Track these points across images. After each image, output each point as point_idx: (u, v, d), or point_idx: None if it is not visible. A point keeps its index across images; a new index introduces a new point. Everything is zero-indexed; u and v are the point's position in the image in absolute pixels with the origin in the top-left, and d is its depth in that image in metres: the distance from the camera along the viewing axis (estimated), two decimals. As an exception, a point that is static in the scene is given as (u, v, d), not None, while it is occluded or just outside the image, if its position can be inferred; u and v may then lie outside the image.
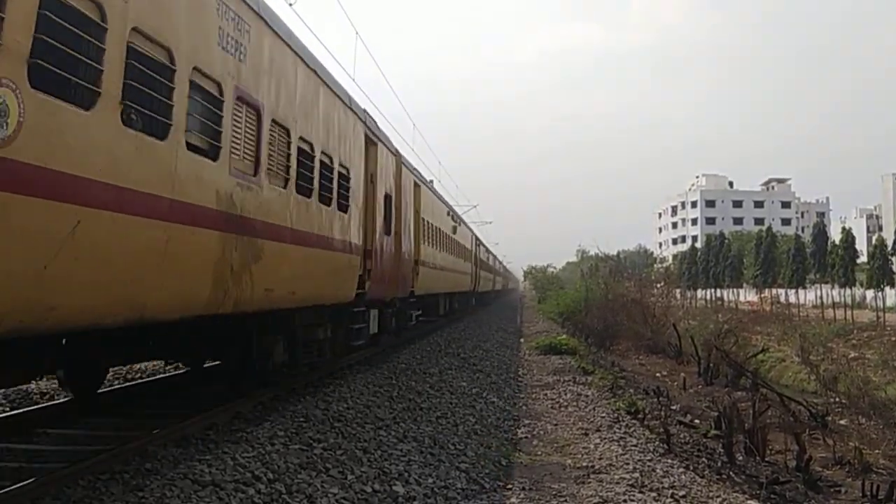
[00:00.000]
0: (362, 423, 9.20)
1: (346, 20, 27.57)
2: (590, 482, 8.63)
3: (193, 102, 6.43)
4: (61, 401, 8.92)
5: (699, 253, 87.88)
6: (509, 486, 8.26)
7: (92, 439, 7.19)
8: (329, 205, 10.41)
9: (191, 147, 6.39)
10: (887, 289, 51.48)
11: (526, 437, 11.25)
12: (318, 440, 7.95)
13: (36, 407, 8.50)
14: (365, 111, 13.26)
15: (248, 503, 5.81)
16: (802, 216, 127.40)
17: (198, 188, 6.56)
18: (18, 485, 5.35)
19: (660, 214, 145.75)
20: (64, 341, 6.53)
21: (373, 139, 13.60)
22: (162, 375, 11.57)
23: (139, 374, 11.82)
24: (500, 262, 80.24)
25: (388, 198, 15.12)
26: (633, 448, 10.57)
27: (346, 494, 6.63)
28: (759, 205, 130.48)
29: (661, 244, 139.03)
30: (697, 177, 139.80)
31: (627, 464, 9.55)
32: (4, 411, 8.48)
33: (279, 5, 8.72)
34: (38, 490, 5.34)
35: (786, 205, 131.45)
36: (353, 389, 11.05)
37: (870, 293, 53.84)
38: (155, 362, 11.97)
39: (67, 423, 7.82)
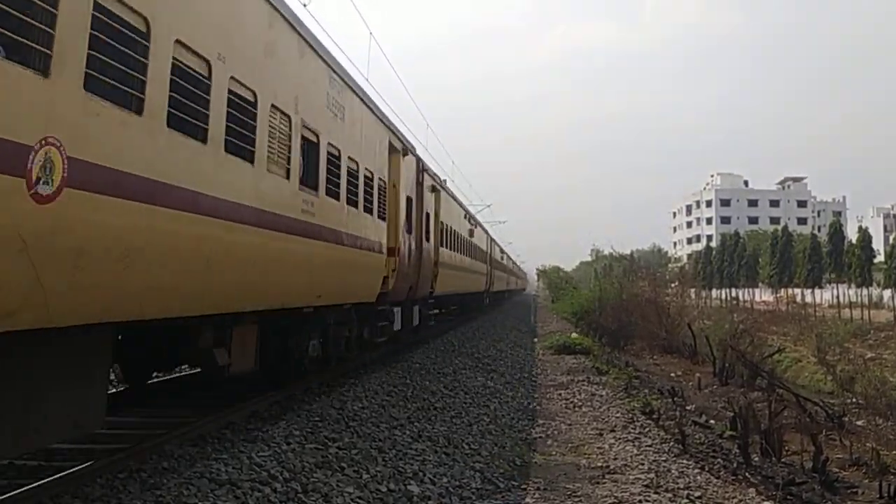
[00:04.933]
0: (377, 423, 9.24)
1: (359, 19, 27.65)
2: (605, 482, 8.62)
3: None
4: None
5: (714, 252, 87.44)
6: (524, 486, 8.26)
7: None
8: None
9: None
10: (904, 288, 50.93)
11: (540, 437, 11.24)
12: (333, 439, 7.98)
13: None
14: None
15: (264, 502, 5.85)
16: (819, 215, 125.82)
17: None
18: (38, 483, 5.41)
19: (674, 214, 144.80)
20: None
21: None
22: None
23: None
24: (514, 262, 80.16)
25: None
26: (648, 448, 10.55)
27: (361, 494, 6.66)
28: (774, 204, 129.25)
29: (675, 243, 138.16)
30: (712, 176, 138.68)
31: (642, 464, 9.53)
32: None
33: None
34: (57, 488, 5.40)
35: (802, 204, 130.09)
36: (367, 389, 11.08)
37: (887, 293, 53.27)
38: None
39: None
